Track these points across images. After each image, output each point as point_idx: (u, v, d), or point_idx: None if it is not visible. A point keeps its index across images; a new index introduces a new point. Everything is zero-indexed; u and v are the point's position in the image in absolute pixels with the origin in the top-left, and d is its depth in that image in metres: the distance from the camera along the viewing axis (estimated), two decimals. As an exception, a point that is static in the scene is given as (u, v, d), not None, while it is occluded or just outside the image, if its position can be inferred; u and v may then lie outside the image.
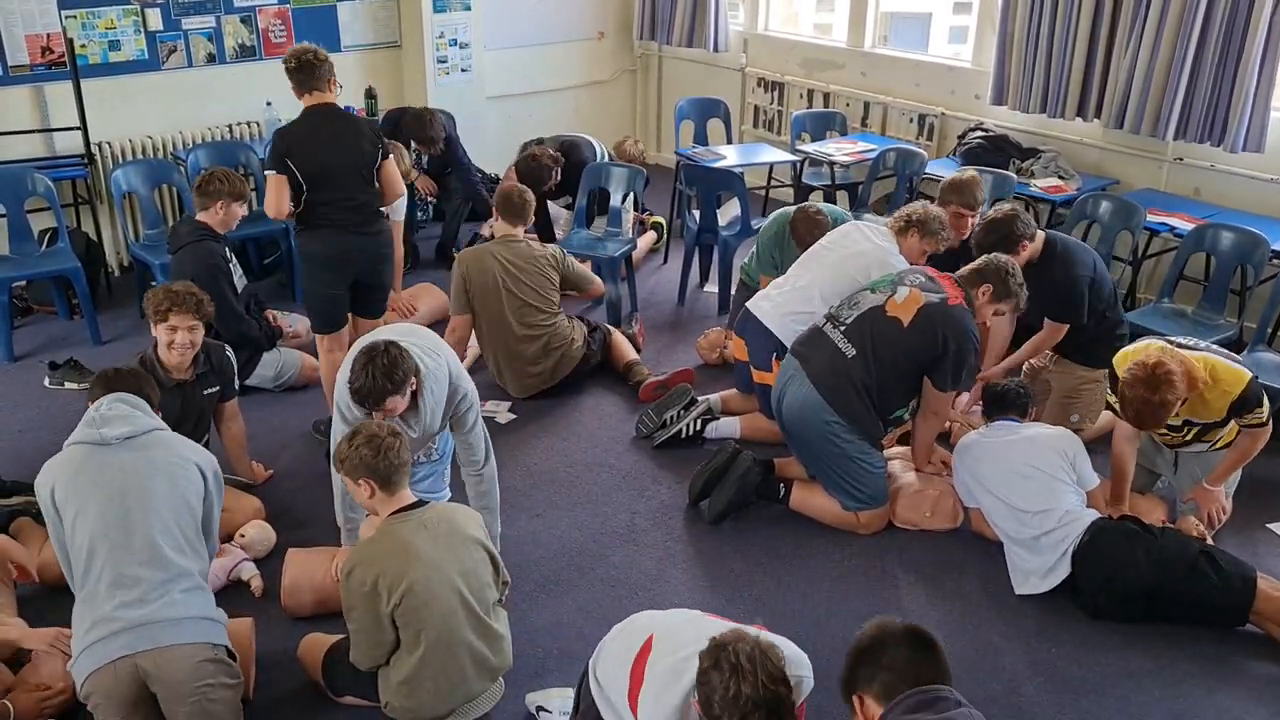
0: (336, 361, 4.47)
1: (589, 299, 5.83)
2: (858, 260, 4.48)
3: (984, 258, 4.15)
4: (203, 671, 2.88)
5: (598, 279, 5.63)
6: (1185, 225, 5.25)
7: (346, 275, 4.44)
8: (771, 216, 5.31)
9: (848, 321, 4.08)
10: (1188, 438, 3.88)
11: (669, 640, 2.64)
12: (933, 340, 3.94)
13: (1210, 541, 3.88)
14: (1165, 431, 3.89)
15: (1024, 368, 4.75)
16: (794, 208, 5.12)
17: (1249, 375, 3.68)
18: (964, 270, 4.14)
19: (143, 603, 2.85)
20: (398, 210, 5.62)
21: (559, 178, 6.31)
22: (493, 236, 6.45)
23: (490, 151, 7.29)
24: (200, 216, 4.80)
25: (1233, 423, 3.78)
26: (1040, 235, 4.45)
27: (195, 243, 4.72)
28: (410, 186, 6.03)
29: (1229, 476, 3.98)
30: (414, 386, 3.40)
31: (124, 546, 2.89)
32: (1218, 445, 3.92)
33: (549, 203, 6.41)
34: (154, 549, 2.91)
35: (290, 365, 5.11)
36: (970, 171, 5.11)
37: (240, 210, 4.87)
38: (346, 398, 3.43)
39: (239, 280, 4.93)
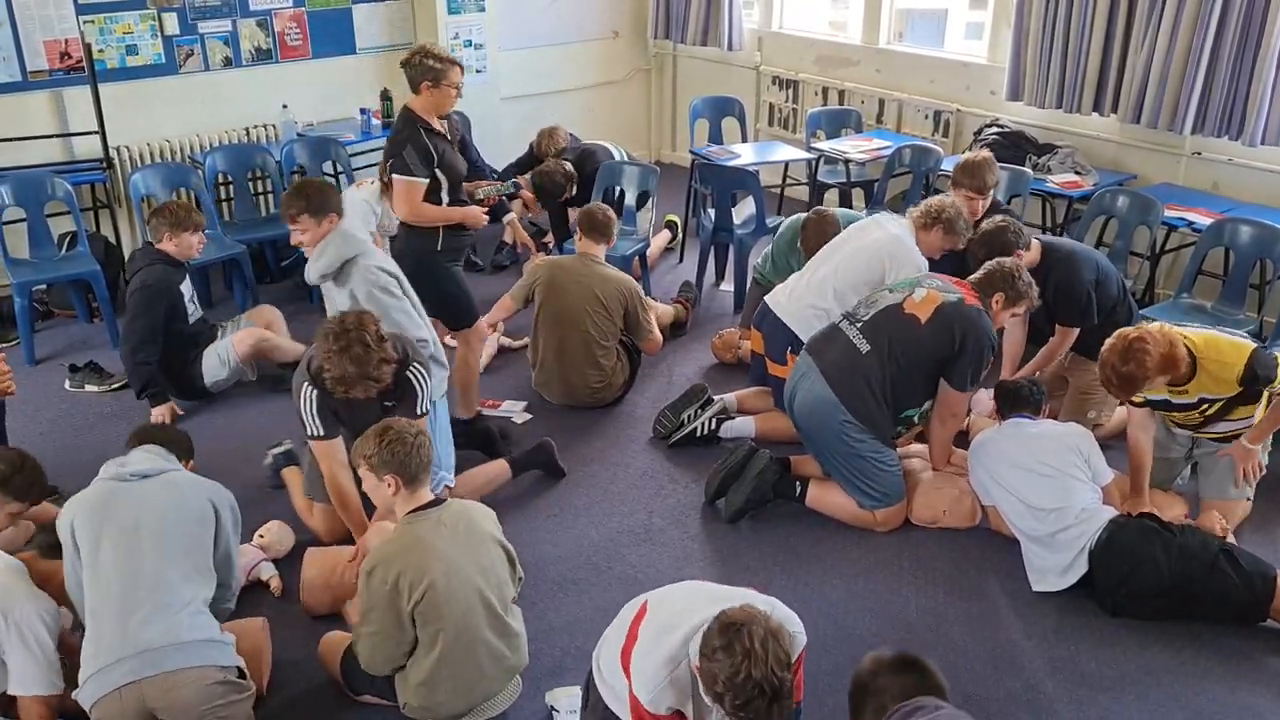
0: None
1: (644, 350, 5.23)
2: (872, 249, 4.51)
3: (988, 265, 4.14)
4: (212, 694, 2.90)
5: (658, 335, 5.24)
6: (1204, 220, 5.22)
7: None
8: (787, 222, 5.32)
9: (864, 319, 4.07)
10: (1210, 413, 3.84)
11: (663, 603, 2.69)
12: (950, 338, 3.93)
13: (1232, 540, 3.86)
14: (1180, 412, 3.88)
15: (1039, 375, 4.72)
16: (808, 213, 5.13)
17: (1252, 346, 3.68)
18: (972, 279, 4.15)
19: (146, 624, 2.88)
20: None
21: (575, 190, 6.33)
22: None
23: (505, 152, 7.29)
24: (158, 245, 4.85)
25: (1266, 394, 3.76)
26: (1036, 244, 4.46)
27: (148, 266, 4.79)
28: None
29: (1269, 434, 3.94)
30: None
31: (133, 572, 2.95)
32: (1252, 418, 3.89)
33: (570, 210, 6.43)
34: (161, 575, 2.97)
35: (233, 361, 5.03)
36: (984, 153, 5.10)
37: (194, 238, 4.86)
38: None
39: (192, 313, 4.95)
